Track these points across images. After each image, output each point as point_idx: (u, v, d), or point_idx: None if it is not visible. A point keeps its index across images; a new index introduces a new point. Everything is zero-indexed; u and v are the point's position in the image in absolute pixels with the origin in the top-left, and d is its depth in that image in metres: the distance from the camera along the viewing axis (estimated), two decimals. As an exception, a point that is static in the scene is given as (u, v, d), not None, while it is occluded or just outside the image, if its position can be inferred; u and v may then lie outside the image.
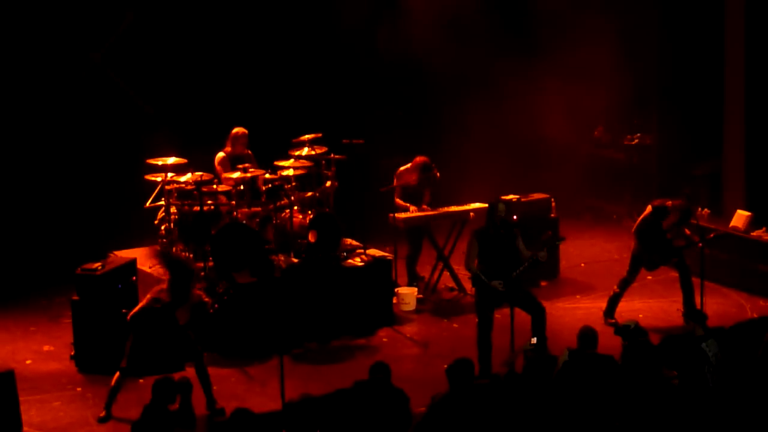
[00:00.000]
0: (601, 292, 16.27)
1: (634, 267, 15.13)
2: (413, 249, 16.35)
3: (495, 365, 13.38)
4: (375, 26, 18.94)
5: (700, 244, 14.58)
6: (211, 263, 14.87)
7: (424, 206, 16.25)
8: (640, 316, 15.22)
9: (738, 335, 13.55)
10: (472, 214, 16.28)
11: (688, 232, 15.18)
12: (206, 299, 13.26)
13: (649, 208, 14.95)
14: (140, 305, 12.90)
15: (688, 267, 14.91)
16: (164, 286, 12.92)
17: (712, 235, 15.46)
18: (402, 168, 16.30)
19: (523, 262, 13.55)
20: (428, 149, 16.71)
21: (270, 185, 15.47)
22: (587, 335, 11.47)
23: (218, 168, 15.73)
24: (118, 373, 12.84)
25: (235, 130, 15.86)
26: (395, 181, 16.24)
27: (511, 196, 16.72)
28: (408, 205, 16.16)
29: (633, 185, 19.63)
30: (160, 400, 10.76)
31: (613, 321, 14.88)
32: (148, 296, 12.91)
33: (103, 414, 12.81)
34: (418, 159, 16.28)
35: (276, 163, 15.68)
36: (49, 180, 17.59)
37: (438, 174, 16.33)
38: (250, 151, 15.92)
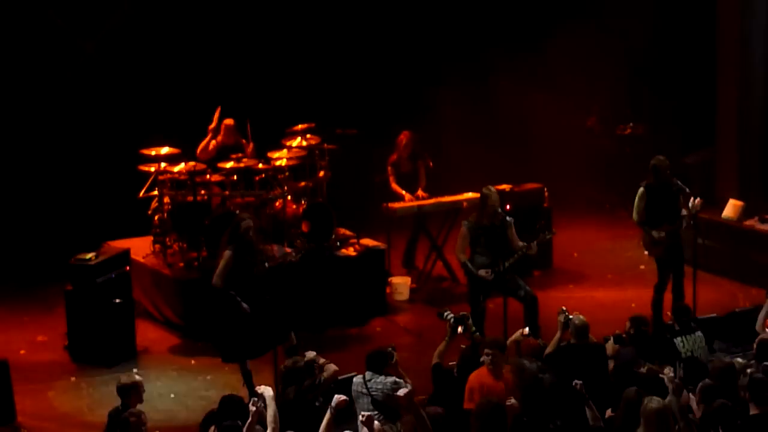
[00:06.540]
0: (593, 281, 16.30)
1: (660, 267, 14.39)
2: (414, 234, 16.39)
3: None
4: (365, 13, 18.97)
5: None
6: (204, 253, 14.89)
7: (420, 192, 16.24)
8: (633, 305, 15.23)
9: (731, 324, 13.62)
10: (465, 203, 16.26)
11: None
12: None
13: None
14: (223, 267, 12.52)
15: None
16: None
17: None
18: (393, 156, 16.29)
19: (515, 253, 13.57)
20: (421, 139, 16.70)
21: (263, 175, 15.48)
22: (578, 326, 11.50)
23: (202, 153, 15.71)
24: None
25: (225, 121, 15.86)
26: (389, 169, 16.24)
27: (504, 186, 16.70)
28: (403, 192, 16.15)
29: (626, 175, 19.61)
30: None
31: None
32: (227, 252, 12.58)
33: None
34: (402, 136, 16.25)
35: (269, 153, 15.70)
36: (42, 170, 17.55)
37: (431, 164, 16.34)
38: (243, 140, 15.92)
